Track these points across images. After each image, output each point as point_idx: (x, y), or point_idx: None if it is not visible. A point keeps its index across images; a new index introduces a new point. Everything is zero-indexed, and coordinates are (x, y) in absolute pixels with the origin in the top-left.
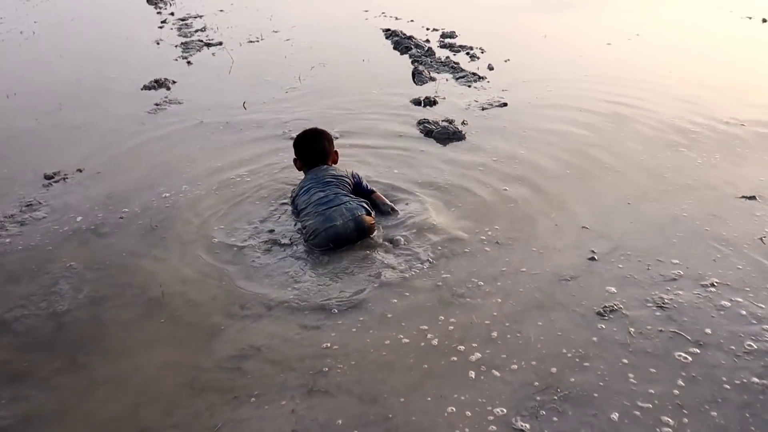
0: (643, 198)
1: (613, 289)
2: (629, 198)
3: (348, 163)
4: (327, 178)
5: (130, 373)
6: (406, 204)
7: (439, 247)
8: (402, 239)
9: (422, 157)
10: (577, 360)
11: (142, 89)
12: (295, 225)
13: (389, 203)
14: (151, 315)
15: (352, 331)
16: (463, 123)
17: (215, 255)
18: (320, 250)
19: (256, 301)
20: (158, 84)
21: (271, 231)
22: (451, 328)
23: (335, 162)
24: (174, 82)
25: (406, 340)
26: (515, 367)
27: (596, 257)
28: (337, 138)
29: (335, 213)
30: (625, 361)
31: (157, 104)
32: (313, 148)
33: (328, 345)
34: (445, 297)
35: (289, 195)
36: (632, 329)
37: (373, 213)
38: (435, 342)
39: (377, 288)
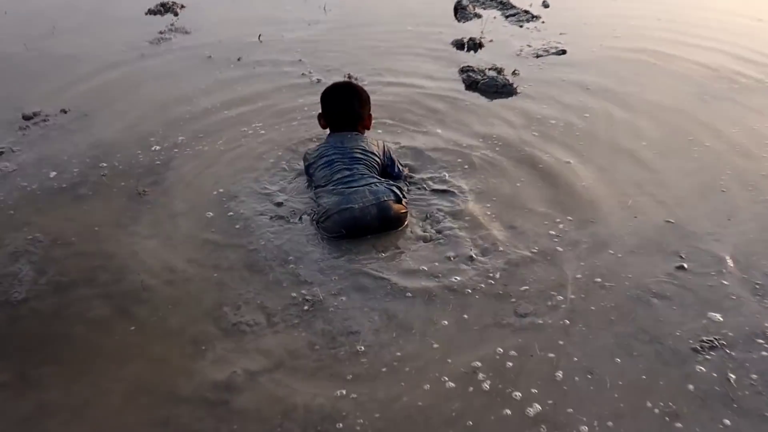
0: (741, 183)
1: (715, 316)
2: (723, 182)
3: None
4: (356, 152)
5: (90, 400)
6: (443, 181)
7: (488, 243)
8: (440, 218)
9: (464, 115)
10: (666, 419)
11: (146, 14)
12: (310, 200)
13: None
14: (124, 314)
15: (379, 364)
16: (514, 73)
17: (210, 235)
18: (333, 237)
19: (255, 304)
20: (164, 8)
21: (280, 204)
22: (509, 364)
23: (367, 128)
24: (182, 6)
25: (451, 384)
26: (584, 429)
27: (686, 265)
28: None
29: (356, 194)
30: (728, 423)
31: (161, 33)
32: (345, 108)
33: (347, 381)
34: (502, 315)
35: (304, 160)
36: (734, 375)
37: (406, 200)
38: (486, 385)
39: (412, 300)
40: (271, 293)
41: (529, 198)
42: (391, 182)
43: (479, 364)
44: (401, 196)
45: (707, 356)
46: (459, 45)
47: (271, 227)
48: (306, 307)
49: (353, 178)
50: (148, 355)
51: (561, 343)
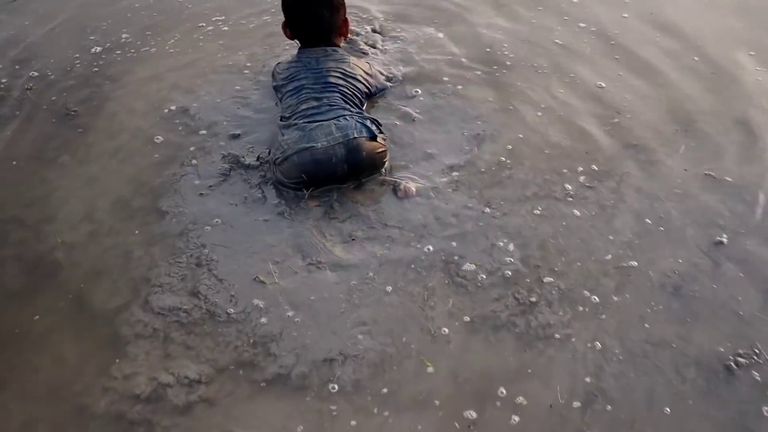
0: None
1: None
2: None
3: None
4: (332, 75)
5: None
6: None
7: (498, 201)
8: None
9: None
10: None
11: None
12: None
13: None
14: (35, 292)
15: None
16: None
17: (146, 186)
18: (293, 185)
19: (184, 290)
20: None
21: (236, 136)
22: (522, 401)
23: (345, 36)
24: None
25: None
26: None
27: (725, 239)
28: None
29: (318, 130)
30: None
31: None
32: (312, 19)
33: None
34: (520, 338)
35: (273, 77)
36: None
37: (384, 135)
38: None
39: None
40: (204, 272)
41: (546, 129)
42: (366, 114)
43: (469, 413)
44: (378, 131)
45: (741, 370)
46: None
47: (222, 173)
48: (253, 325)
49: (320, 110)
50: (57, 357)
51: (573, 356)
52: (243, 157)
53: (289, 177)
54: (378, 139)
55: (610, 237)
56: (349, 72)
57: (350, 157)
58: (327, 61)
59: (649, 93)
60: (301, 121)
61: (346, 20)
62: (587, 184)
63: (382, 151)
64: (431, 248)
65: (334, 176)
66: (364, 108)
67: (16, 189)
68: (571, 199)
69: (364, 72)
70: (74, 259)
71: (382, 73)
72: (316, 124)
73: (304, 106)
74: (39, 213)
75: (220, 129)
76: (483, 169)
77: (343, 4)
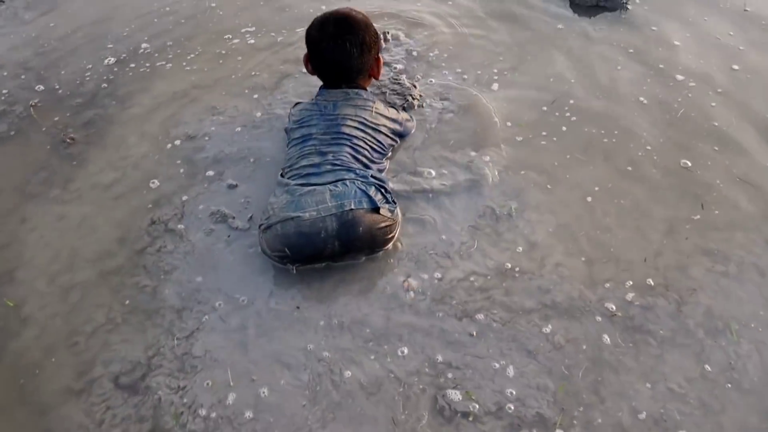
0: None
1: None
2: None
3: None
4: (346, 123)
5: None
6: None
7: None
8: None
9: (549, 38)
10: None
11: None
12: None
13: None
14: None
15: None
16: None
17: (129, 242)
18: (276, 258)
19: (137, 372)
20: None
21: (233, 186)
22: None
23: (375, 77)
24: None
25: None
26: None
27: None
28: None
29: (310, 197)
30: None
31: None
32: (337, 58)
33: None
34: None
35: (288, 118)
36: None
37: (392, 207)
38: None
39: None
40: (176, 361)
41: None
42: (378, 175)
43: None
44: (386, 200)
45: None
46: None
47: (205, 233)
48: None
49: (319, 170)
50: None
51: None
52: (232, 218)
53: (272, 249)
54: (382, 211)
55: (648, 385)
56: (370, 122)
57: (343, 232)
58: (345, 106)
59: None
60: (294, 182)
61: (378, 60)
62: (636, 303)
63: (385, 227)
64: (420, 369)
65: (321, 254)
66: (385, 163)
67: None
68: (610, 322)
69: (389, 119)
70: (22, 333)
71: (409, 120)
72: (309, 188)
73: (303, 162)
74: (2, 263)
75: (222, 173)
76: (507, 266)
77: (377, 42)
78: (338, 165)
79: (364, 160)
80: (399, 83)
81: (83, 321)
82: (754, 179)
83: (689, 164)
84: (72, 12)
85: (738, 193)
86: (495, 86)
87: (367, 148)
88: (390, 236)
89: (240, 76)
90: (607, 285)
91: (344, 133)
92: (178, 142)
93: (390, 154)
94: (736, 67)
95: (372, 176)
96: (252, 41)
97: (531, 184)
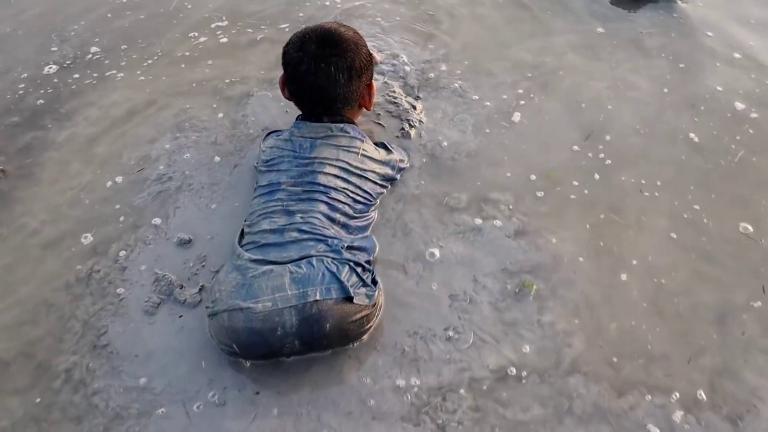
0: None
1: None
2: None
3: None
4: (324, 171)
5: None
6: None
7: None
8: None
9: (585, 47)
10: None
11: None
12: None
13: None
14: None
15: None
16: None
17: (50, 310)
18: (226, 350)
19: None
20: None
21: (186, 242)
22: None
23: (367, 108)
24: None
25: None
26: None
27: None
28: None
29: (265, 280)
30: None
31: None
32: (317, 80)
33: None
34: None
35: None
36: None
37: (372, 290)
38: None
39: None
40: None
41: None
42: (357, 244)
43: None
44: (362, 282)
45: None
46: None
47: (145, 311)
48: None
49: (282, 238)
50: None
51: None
52: (181, 287)
53: (219, 341)
54: (357, 300)
55: None
56: (354, 168)
57: (305, 329)
58: (325, 146)
59: None
60: (247, 254)
61: (370, 87)
62: (685, 425)
63: (360, 318)
64: None
65: (278, 353)
66: (371, 215)
67: None
68: None
69: (380, 163)
70: None
71: (402, 161)
72: (266, 267)
73: (264, 225)
74: None
75: (172, 220)
76: (512, 370)
77: (370, 65)
78: (306, 232)
79: (343, 219)
80: (395, 102)
81: None
82: None
83: (750, 229)
84: (18, 3)
85: None
86: (516, 116)
87: (348, 202)
88: (366, 328)
89: (207, 86)
90: (648, 396)
91: (320, 185)
92: (119, 179)
93: (378, 202)
94: None
95: (348, 247)
96: (224, 39)
97: (550, 255)
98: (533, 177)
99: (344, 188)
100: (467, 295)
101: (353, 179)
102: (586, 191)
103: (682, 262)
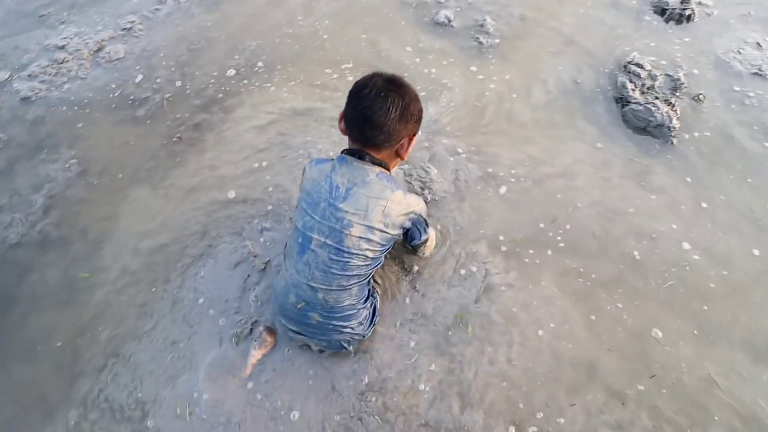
0: None
1: None
2: None
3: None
4: (349, 232)
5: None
6: None
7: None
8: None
9: (581, 154)
10: None
11: None
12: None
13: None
14: (61, 310)
15: None
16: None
17: (186, 243)
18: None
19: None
20: None
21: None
22: None
23: (401, 158)
24: None
25: None
26: None
27: None
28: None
29: (304, 339)
30: None
31: None
32: (373, 105)
33: None
34: None
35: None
36: None
37: (364, 335)
38: None
39: None
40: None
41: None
42: (366, 322)
43: None
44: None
45: None
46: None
47: (226, 338)
48: None
49: (308, 319)
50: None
51: None
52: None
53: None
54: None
55: None
56: (376, 222)
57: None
58: (359, 195)
59: None
60: (282, 286)
61: (411, 139)
62: None
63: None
64: None
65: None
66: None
67: (99, 198)
68: None
69: (396, 218)
70: (79, 299)
71: (419, 220)
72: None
73: (292, 297)
74: (95, 238)
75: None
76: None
77: (419, 119)
78: (334, 312)
79: (363, 275)
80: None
81: (121, 307)
82: None
83: (659, 335)
84: (227, 15)
85: None
86: (503, 189)
87: (369, 260)
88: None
89: (324, 115)
90: None
91: (345, 251)
92: (232, 194)
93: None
94: (756, 252)
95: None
96: (350, 78)
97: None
98: (501, 237)
99: (366, 249)
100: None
101: (375, 238)
102: (537, 260)
103: (591, 346)
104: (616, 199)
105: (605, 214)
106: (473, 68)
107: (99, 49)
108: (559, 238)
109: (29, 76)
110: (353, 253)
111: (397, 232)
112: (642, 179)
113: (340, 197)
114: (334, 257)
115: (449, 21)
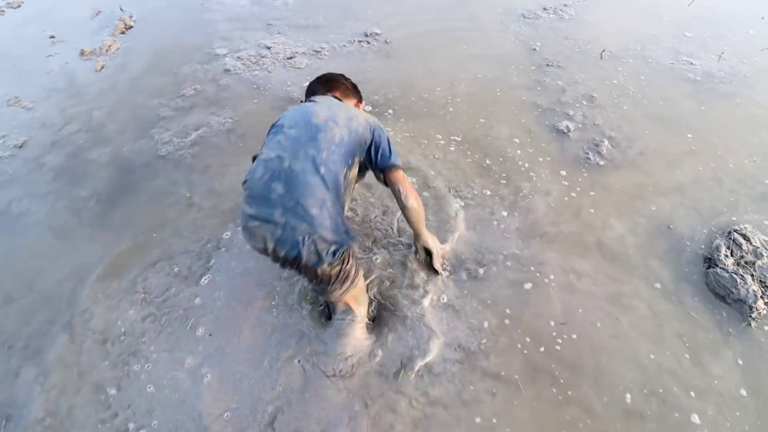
0: None
1: None
2: None
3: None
4: (324, 122)
5: None
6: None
7: None
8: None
9: (638, 302)
10: None
11: None
12: None
13: (422, 231)
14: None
15: None
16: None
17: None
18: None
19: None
20: None
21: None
22: None
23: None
24: None
25: None
26: None
27: None
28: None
29: (261, 229)
30: None
31: None
32: (325, 77)
33: None
34: None
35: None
36: None
37: (348, 247)
38: None
39: None
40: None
41: None
42: (340, 218)
43: None
44: (339, 242)
45: None
46: None
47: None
48: None
49: (288, 178)
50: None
51: None
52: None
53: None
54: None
55: None
56: (345, 119)
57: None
58: (325, 104)
59: None
60: (257, 190)
61: (360, 102)
62: None
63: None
64: None
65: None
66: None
67: (230, 151)
68: None
69: (364, 123)
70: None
71: (380, 130)
72: (264, 217)
73: (271, 159)
74: (216, 173)
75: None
76: None
77: (358, 91)
78: (309, 176)
79: (333, 179)
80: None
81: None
82: None
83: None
84: (388, 66)
85: None
86: (528, 285)
87: (336, 159)
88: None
89: (422, 173)
90: None
91: (319, 140)
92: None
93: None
94: None
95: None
96: (452, 149)
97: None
98: (508, 311)
99: (335, 146)
100: None
101: (341, 138)
102: (541, 349)
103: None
104: (635, 334)
105: (620, 348)
106: (563, 172)
107: (291, 57)
108: (560, 341)
109: (238, 57)
110: (328, 144)
111: (366, 138)
112: (693, 342)
113: (314, 110)
114: (308, 144)
115: (568, 130)
